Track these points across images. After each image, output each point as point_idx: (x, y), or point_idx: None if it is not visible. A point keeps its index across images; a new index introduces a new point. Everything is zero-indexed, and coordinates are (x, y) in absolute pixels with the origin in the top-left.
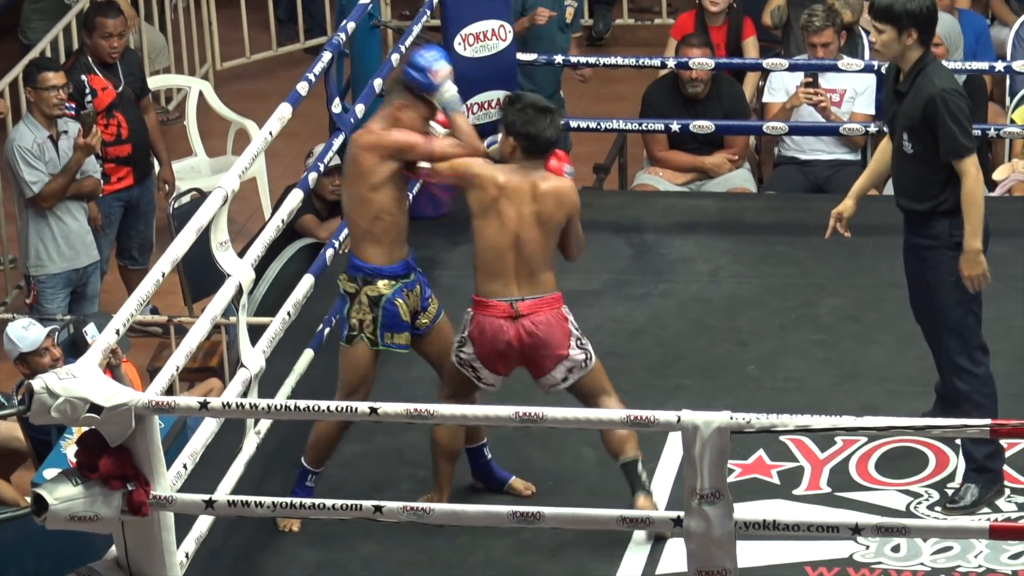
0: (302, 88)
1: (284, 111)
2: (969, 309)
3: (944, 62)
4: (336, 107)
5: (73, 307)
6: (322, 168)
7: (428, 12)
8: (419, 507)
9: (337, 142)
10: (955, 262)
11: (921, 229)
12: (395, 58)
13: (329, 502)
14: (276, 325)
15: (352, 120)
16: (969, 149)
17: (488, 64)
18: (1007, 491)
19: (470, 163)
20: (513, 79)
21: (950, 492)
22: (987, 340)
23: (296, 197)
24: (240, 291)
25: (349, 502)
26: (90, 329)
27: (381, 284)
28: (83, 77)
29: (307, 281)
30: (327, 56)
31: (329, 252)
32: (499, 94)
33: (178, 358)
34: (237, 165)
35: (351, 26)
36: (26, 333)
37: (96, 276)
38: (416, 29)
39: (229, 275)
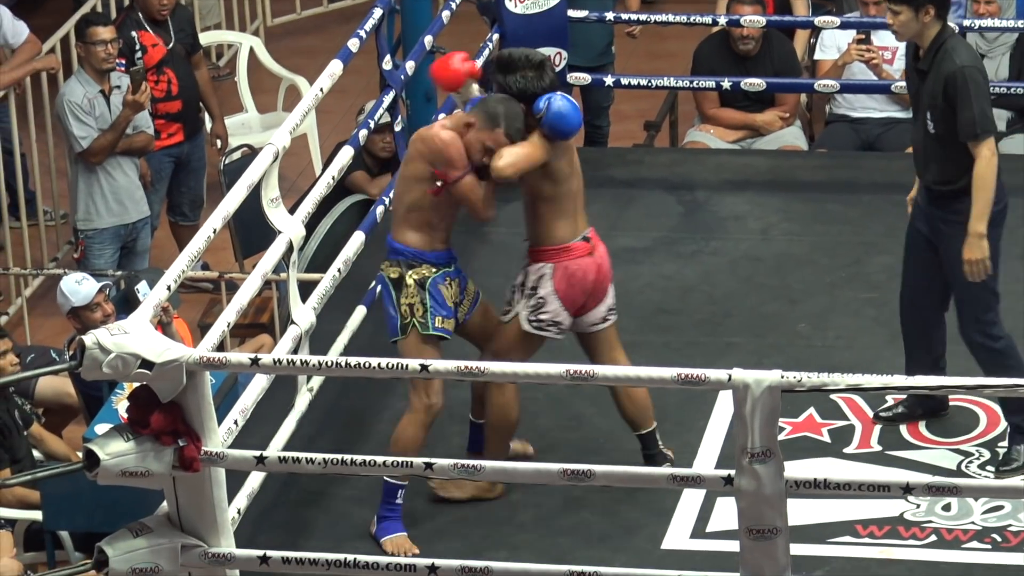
0: (353, 45)
1: (335, 67)
2: (985, 285)
3: (997, 20)
4: (387, 64)
5: (123, 263)
6: (372, 125)
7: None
8: (470, 464)
9: (387, 99)
10: (962, 239)
11: (948, 207)
12: (446, 15)
13: (380, 459)
14: (327, 282)
15: (403, 77)
16: (987, 131)
17: (540, 21)
18: None
19: (529, 154)
20: (565, 35)
21: (1000, 453)
22: (1021, 302)
23: (347, 154)
24: (291, 248)
25: (400, 459)
26: (142, 287)
27: (424, 268)
28: (133, 33)
29: (358, 238)
30: (378, 12)
31: (380, 209)
32: (552, 51)
33: (229, 314)
34: (288, 122)
35: None
36: (79, 287)
37: (146, 232)
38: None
39: (280, 232)
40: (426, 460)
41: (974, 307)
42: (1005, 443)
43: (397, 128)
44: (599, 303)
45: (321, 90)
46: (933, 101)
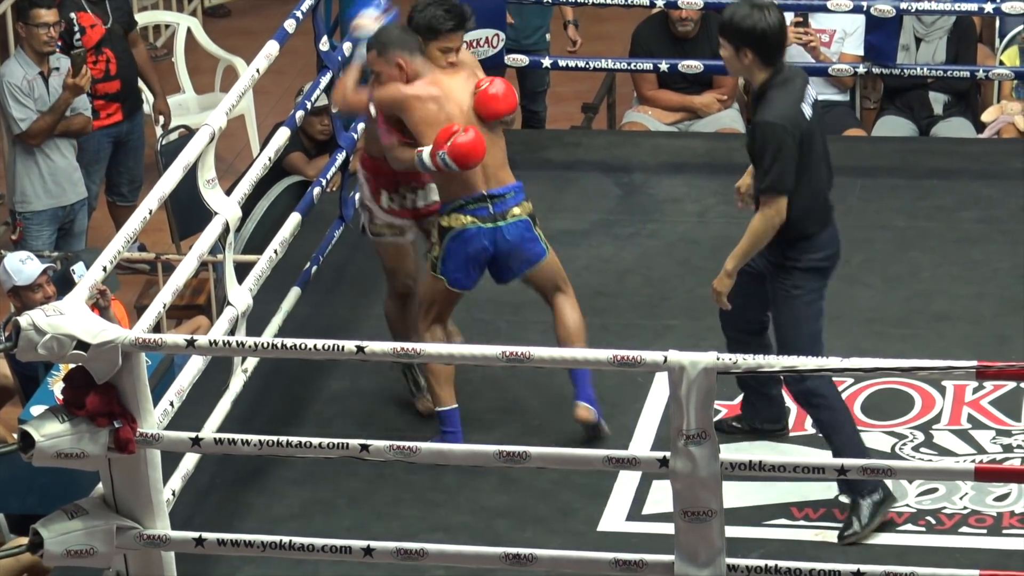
0: (289, 25)
1: (271, 48)
2: (805, 338)
3: (934, 3)
4: (324, 45)
5: (60, 244)
6: (309, 106)
7: None
8: (405, 446)
9: (324, 80)
10: (788, 277)
11: (774, 250)
12: None
13: (315, 441)
14: (263, 263)
15: (340, 58)
16: (776, 190)
17: (476, 2)
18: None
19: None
20: (502, 17)
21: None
22: (973, 283)
23: (283, 135)
24: (227, 229)
25: (335, 441)
26: (78, 268)
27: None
28: (72, 15)
29: (294, 219)
30: None
31: (316, 190)
32: (489, 32)
33: (165, 296)
34: (224, 103)
35: None
36: (22, 267)
37: (84, 213)
38: None
39: (216, 213)
40: (362, 442)
41: (789, 347)
42: (940, 425)
43: (334, 110)
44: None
45: (258, 71)
46: (748, 146)
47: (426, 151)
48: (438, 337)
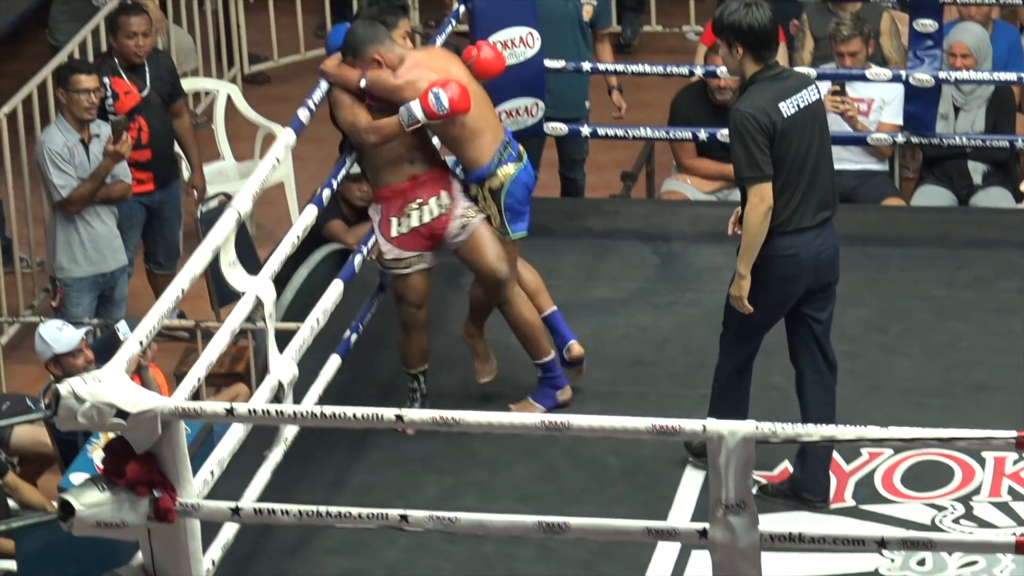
0: (316, 96)
1: (289, 137)
2: (735, 318)
3: (973, 73)
4: None
5: (100, 311)
6: (334, 184)
7: (454, 21)
8: (445, 516)
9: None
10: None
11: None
12: None
13: (355, 511)
14: (305, 332)
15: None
16: (751, 177)
17: (516, 71)
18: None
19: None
20: (541, 86)
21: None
22: (1013, 353)
23: (310, 214)
24: (259, 303)
25: (375, 511)
26: (121, 326)
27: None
28: (106, 79)
29: (336, 287)
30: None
31: (358, 258)
32: (528, 101)
33: (204, 363)
34: (251, 182)
35: None
36: (60, 334)
37: (124, 280)
38: (442, 37)
39: (242, 293)
40: (401, 512)
41: (726, 332)
42: (980, 496)
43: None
44: (447, 226)
45: (277, 160)
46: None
47: (414, 102)
48: (523, 297)
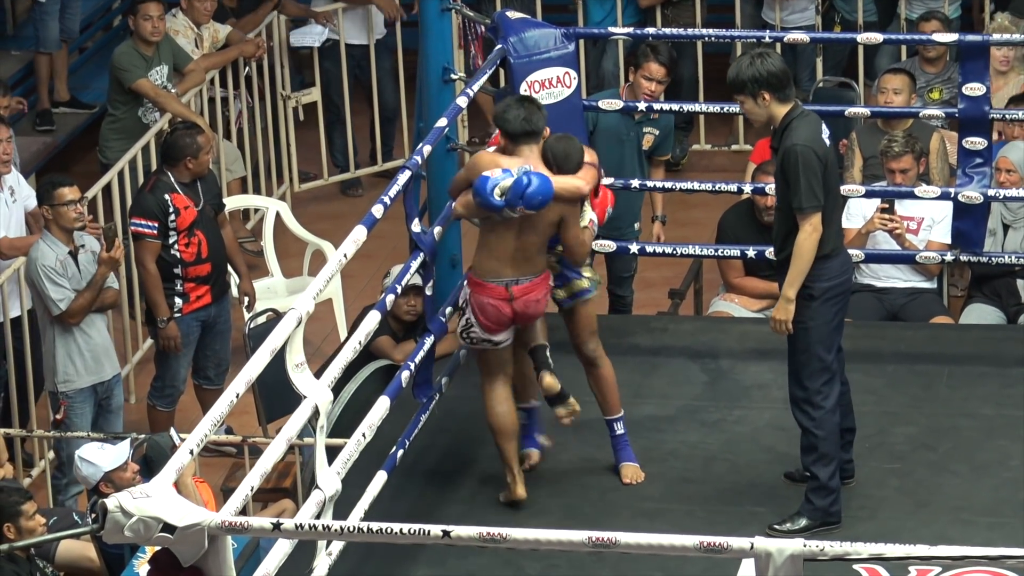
0: (377, 210)
1: (359, 234)
2: (811, 352)
3: (1021, 190)
4: (416, 227)
5: (97, 422)
6: (399, 289)
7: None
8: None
9: (415, 263)
10: (803, 308)
11: (781, 276)
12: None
13: None
14: (351, 447)
15: (431, 241)
16: (810, 207)
17: (554, 109)
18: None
19: (476, 161)
20: (580, 124)
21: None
22: None
23: (374, 319)
24: (316, 413)
25: None
26: (172, 432)
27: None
28: (166, 196)
29: (383, 403)
30: (405, 176)
31: (404, 374)
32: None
33: (252, 478)
34: (312, 287)
35: (427, 149)
36: (103, 453)
37: (119, 388)
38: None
39: (305, 397)
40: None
41: (800, 371)
42: None
43: (428, 292)
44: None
45: (345, 255)
46: (776, 176)
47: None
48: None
